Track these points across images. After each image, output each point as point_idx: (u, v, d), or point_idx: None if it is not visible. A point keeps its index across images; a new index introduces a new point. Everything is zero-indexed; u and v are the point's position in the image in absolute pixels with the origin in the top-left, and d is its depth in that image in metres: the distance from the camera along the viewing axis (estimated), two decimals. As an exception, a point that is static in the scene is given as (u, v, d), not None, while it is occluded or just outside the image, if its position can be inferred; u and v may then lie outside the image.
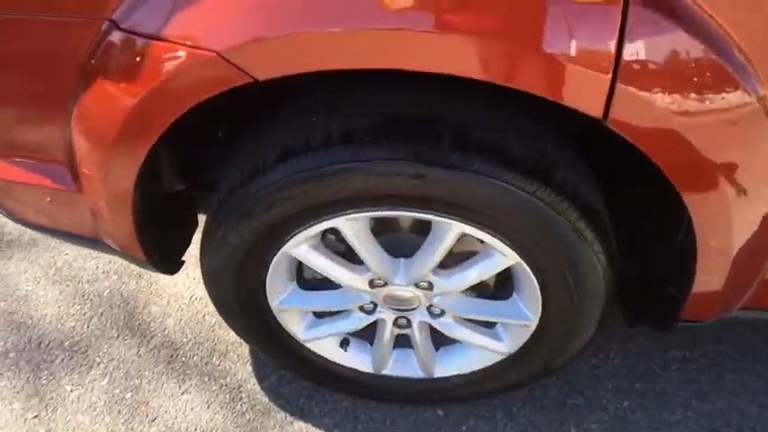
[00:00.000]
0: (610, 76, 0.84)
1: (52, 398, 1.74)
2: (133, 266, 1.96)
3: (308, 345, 1.50)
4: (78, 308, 1.94)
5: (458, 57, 0.87)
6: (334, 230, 1.24)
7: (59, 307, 1.95)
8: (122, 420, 1.68)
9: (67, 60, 1.02)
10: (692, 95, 0.87)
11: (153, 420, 1.68)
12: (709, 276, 1.11)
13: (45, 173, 1.25)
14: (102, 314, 1.92)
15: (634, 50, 0.83)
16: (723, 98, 0.88)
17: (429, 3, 0.86)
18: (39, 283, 2.02)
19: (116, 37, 0.95)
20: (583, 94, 0.87)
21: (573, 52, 0.83)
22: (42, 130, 1.16)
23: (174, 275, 1.88)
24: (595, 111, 0.88)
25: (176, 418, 1.68)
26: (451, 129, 1.04)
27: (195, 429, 1.66)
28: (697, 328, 1.32)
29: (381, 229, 1.29)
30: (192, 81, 0.94)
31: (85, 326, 1.89)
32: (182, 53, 0.91)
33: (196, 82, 0.94)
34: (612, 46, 0.82)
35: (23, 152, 1.25)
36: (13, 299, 1.98)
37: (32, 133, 1.20)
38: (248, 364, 1.78)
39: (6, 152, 1.27)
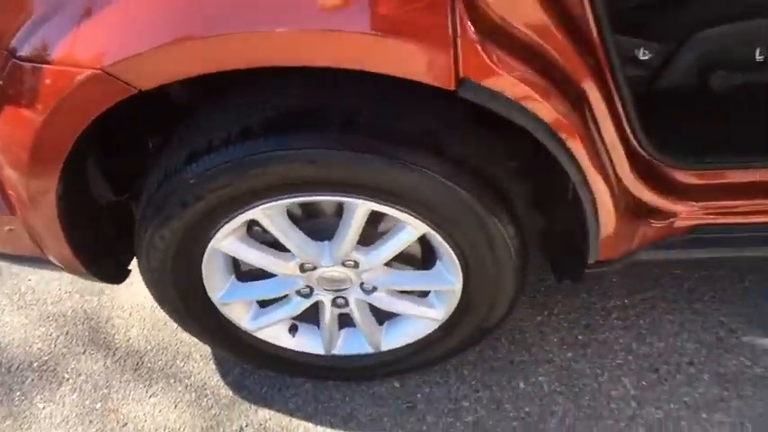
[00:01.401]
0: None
1: (26, 416, 1.81)
2: (95, 284, 2.03)
3: (257, 335, 1.58)
4: (44, 329, 2.01)
5: (312, 50, 0.96)
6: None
7: (26, 331, 2.02)
8: (94, 430, 1.76)
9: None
10: None
11: (124, 426, 1.76)
12: (597, 218, 1.21)
13: None
14: (67, 333, 1.99)
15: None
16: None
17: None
18: (4, 310, 2.08)
19: (13, 65, 1.02)
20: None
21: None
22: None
23: (134, 287, 1.97)
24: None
25: (146, 420, 1.76)
26: (340, 114, 1.12)
27: (164, 429, 1.73)
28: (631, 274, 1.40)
29: (307, 215, 1.37)
30: (83, 98, 1.02)
31: (52, 345, 1.97)
32: (70, 74, 0.99)
33: (87, 99, 1.02)
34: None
35: None
36: (-19, 329, 2.05)
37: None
38: (211, 362, 1.86)
39: None
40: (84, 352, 1.94)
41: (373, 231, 1.38)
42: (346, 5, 0.94)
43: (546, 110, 1.04)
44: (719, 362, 1.74)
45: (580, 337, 1.81)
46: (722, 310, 1.84)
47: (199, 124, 1.24)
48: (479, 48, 0.96)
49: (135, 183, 1.48)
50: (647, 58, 1.49)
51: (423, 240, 1.36)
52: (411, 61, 0.98)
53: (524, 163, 1.38)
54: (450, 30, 0.93)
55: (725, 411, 1.64)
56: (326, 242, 1.37)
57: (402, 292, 1.49)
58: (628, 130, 1.23)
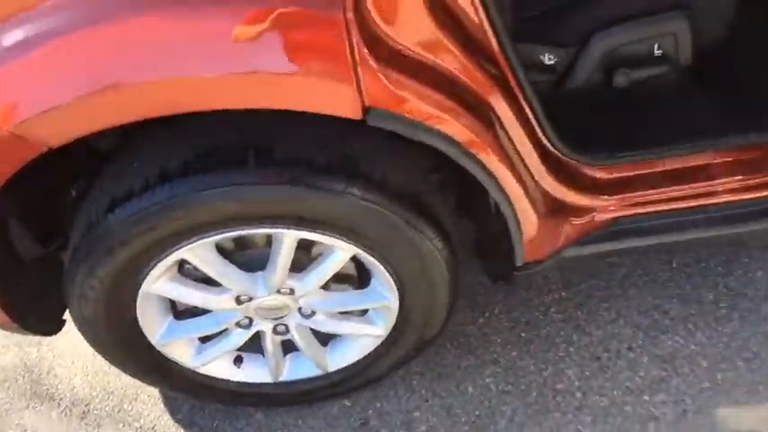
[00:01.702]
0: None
1: (-27, 481, 1.76)
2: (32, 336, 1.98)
3: (202, 370, 1.57)
4: (-17, 388, 1.95)
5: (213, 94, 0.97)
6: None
7: (-36, 391, 1.95)
8: (46, 485, 1.72)
9: None
10: None
11: (76, 478, 1.72)
12: (518, 224, 1.25)
13: None
14: (8, 388, 1.94)
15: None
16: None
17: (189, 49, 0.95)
18: (-61, 372, 2.02)
19: None
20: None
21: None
22: None
23: (73, 334, 1.92)
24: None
25: (98, 469, 1.72)
26: (257, 149, 1.13)
27: (118, 476, 1.71)
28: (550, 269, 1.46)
29: (238, 247, 1.38)
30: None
31: (-6, 403, 1.91)
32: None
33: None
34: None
35: None
36: None
37: None
38: (159, 402, 1.84)
39: None
40: (28, 406, 1.89)
41: (306, 256, 1.39)
42: (249, 48, 0.96)
43: (455, 128, 1.07)
44: (656, 343, 1.81)
45: (522, 335, 1.85)
46: (654, 293, 1.91)
47: (117, 171, 1.23)
48: (381, 75, 0.98)
49: (61, 232, 1.46)
50: (552, 62, 1.55)
51: (357, 259, 1.38)
52: (316, 96, 1.00)
53: (446, 174, 1.41)
54: (349, 61, 0.96)
55: (666, 391, 1.70)
56: (260, 272, 1.37)
57: (341, 312, 1.51)
58: (540, 134, 1.28)
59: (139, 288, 1.30)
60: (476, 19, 1.10)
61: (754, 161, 1.44)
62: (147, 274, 1.27)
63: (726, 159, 1.43)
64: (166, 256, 1.24)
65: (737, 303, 1.86)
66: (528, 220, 1.28)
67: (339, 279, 1.46)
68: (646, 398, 1.70)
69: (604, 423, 1.65)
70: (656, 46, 1.53)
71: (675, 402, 1.68)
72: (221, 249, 1.34)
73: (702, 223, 1.47)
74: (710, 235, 1.49)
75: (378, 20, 0.98)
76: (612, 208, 1.41)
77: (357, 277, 1.50)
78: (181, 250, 1.23)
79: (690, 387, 1.71)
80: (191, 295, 1.36)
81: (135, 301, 1.33)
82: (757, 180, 1.43)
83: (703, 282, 1.92)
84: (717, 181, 1.45)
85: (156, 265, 1.25)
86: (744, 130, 1.40)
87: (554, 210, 1.35)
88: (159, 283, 1.31)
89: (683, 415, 1.65)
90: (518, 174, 1.22)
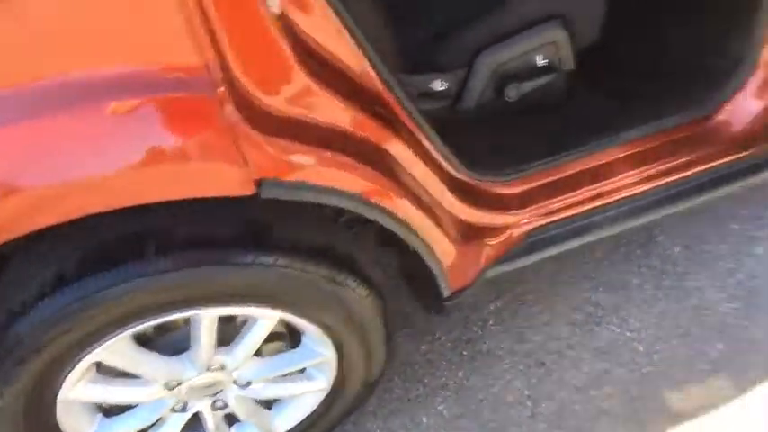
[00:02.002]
0: None
1: None
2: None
3: (144, 462, 1.49)
4: None
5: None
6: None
7: None
8: None
9: None
10: None
11: None
12: (436, 258, 1.24)
13: None
14: None
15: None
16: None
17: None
18: None
19: None
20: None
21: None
22: None
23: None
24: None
25: None
26: (155, 236, 1.08)
27: None
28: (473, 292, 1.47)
29: (159, 332, 1.32)
30: None
31: None
32: None
33: None
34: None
35: None
36: None
37: None
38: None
39: None
40: None
41: (231, 328, 1.35)
42: (127, 143, 0.91)
43: (351, 182, 1.06)
44: (594, 336, 1.84)
45: (465, 353, 1.86)
46: (583, 286, 1.96)
47: (12, 279, 1.15)
48: (265, 145, 0.95)
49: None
50: (444, 88, 1.56)
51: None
52: (205, 181, 0.96)
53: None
54: (230, 138, 0.92)
55: (611, 383, 1.74)
56: (185, 353, 1.32)
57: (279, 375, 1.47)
58: (443, 163, 1.28)
59: (56, 398, 1.22)
60: (355, 64, 1.08)
61: (649, 152, 1.49)
62: (63, 381, 1.20)
63: (623, 155, 1.47)
64: (79, 361, 1.17)
65: (661, 282, 1.92)
66: (445, 252, 1.28)
67: (271, 338, 1.42)
68: (593, 393, 1.73)
69: (558, 427, 1.67)
70: (538, 57, 1.57)
71: (622, 392, 1.72)
72: (141, 336, 1.28)
73: (615, 219, 1.51)
74: (626, 228, 1.53)
75: (251, 89, 0.95)
76: (526, 221, 1.43)
77: (288, 334, 1.46)
78: (94, 352, 1.16)
79: (632, 374, 1.75)
80: (116, 393, 1.29)
81: (55, 410, 1.25)
82: (655, 169, 1.48)
83: (626, 267, 1.98)
84: (619, 176, 1.49)
85: (69, 371, 1.18)
86: (632, 123, 1.45)
87: (470, 235, 1.35)
88: (78, 388, 1.23)
89: (631, 402, 1.69)
90: (427, 209, 1.22)
